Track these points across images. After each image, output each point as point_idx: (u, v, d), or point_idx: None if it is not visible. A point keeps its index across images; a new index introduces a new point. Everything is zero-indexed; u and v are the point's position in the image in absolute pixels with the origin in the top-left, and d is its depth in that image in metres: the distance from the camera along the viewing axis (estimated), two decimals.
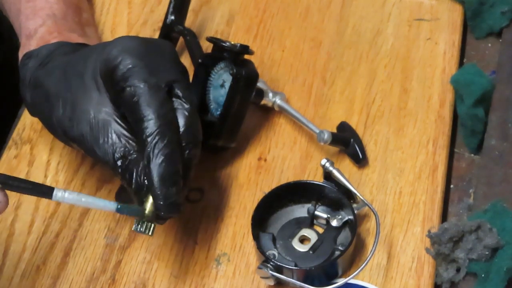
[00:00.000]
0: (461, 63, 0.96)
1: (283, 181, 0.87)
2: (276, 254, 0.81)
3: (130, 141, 0.77)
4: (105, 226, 0.85)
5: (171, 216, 0.77)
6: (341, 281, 0.78)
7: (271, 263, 0.78)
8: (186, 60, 0.96)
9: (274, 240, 0.82)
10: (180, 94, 0.78)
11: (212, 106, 0.89)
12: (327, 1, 1.01)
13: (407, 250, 0.82)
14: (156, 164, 0.75)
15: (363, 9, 1.00)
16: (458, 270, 0.79)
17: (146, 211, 0.75)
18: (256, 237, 0.81)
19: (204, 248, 0.84)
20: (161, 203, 0.75)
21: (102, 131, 0.78)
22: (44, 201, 0.87)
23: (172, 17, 0.94)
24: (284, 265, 0.78)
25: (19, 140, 0.92)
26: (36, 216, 0.86)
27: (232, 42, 0.86)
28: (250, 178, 0.88)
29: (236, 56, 0.86)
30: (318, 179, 0.85)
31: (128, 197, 0.77)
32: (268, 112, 0.92)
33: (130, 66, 0.77)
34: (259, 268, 0.78)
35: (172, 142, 0.76)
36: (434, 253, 0.80)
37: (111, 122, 0.78)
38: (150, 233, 0.76)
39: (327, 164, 0.82)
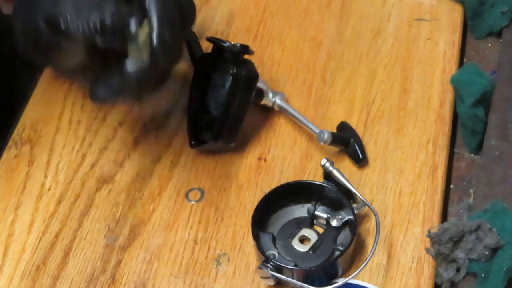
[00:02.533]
0: (461, 63, 0.96)
1: (283, 181, 0.87)
2: (276, 254, 0.81)
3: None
4: (105, 226, 0.86)
5: (165, 63, 0.76)
6: (341, 281, 0.78)
7: (271, 263, 0.78)
8: (186, 60, 0.96)
9: (274, 240, 0.82)
10: None
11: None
12: (327, 1, 1.01)
13: (407, 250, 0.82)
14: (157, 9, 0.74)
15: (363, 9, 1.00)
16: (458, 270, 0.80)
17: (140, 38, 0.74)
18: (256, 237, 0.81)
19: (204, 248, 0.84)
20: (156, 39, 0.74)
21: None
22: (44, 201, 0.87)
23: None
24: (284, 265, 0.78)
25: (19, 140, 0.92)
26: (36, 216, 0.86)
27: (232, 42, 0.86)
28: (250, 178, 0.88)
29: (236, 56, 0.86)
30: (318, 179, 0.85)
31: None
32: (268, 112, 0.92)
33: None
34: (259, 268, 0.78)
35: None
36: (434, 253, 0.80)
37: None
38: (145, 57, 0.74)
39: (327, 164, 0.82)
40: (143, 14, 0.75)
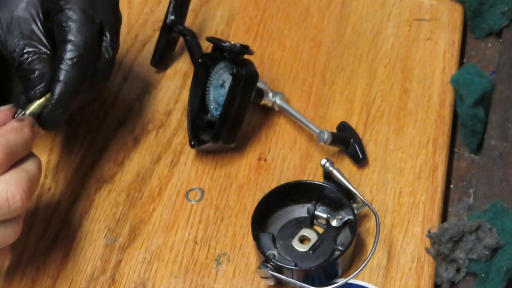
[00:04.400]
0: (461, 63, 0.96)
1: (283, 181, 0.87)
2: (276, 254, 0.81)
3: (42, 45, 0.80)
4: (105, 226, 0.86)
5: (48, 126, 0.80)
6: (341, 281, 0.78)
7: (271, 263, 0.78)
8: (186, 60, 0.96)
9: (274, 240, 0.82)
10: (107, 36, 0.83)
11: (212, 106, 0.89)
12: (327, 1, 1.01)
13: (407, 250, 0.82)
14: (64, 83, 0.78)
15: (363, 9, 1.00)
16: (458, 270, 0.80)
17: (33, 107, 0.78)
18: (256, 237, 0.81)
19: (204, 248, 0.84)
20: (47, 114, 0.79)
21: (21, 25, 0.80)
22: (44, 201, 0.87)
23: (172, 17, 0.94)
24: (284, 265, 0.78)
25: None
26: (36, 216, 0.86)
27: (232, 42, 0.86)
28: (250, 178, 0.88)
29: (236, 56, 0.86)
30: (318, 179, 0.85)
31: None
32: (268, 112, 0.92)
33: None
34: (259, 268, 0.78)
35: (85, 72, 0.80)
36: (434, 253, 0.80)
37: (31, 22, 0.80)
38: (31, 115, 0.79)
39: (327, 164, 0.82)
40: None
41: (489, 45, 0.97)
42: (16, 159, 0.75)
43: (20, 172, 0.74)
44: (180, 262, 0.83)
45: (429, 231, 0.81)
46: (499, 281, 0.77)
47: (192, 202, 0.87)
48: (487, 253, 0.78)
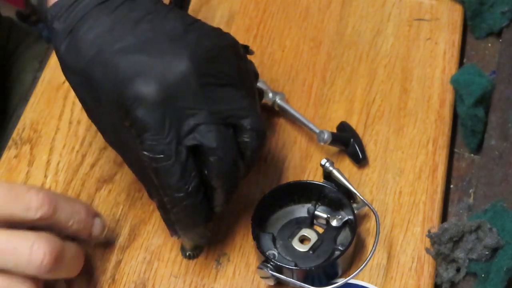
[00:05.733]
0: (461, 63, 0.96)
1: (283, 181, 0.87)
2: (276, 254, 0.81)
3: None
4: (105, 226, 0.85)
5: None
6: (341, 281, 0.78)
7: (271, 263, 0.78)
8: None
9: (274, 240, 0.82)
10: (247, 126, 0.68)
11: None
12: (327, 1, 1.01)
13: (407, 250, 0.82)
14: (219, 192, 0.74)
15: (363, 9, 1.00)
16: (458, 270, 0.80)
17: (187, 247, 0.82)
18: (256, 237, 0.81)
19: (204, 248, 0.84)
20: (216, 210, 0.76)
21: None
22: None
23: None
24: (284, 265, 0.78)
25: (19, 140, 0.92)
26: None
27: None
28: (250, 178, 0.88)
29: None
30: (318, 179, 0.85)
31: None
32: (268, 112, 0.92)
33: (145, 121, 0.62)
34: (259, 268, 0.78)
35: (232, 178, 0.74)
36: (434, 253, 0.80)
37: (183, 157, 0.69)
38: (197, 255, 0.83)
39: (327, 164, 0.82)
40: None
41: (489, 45, 0.97)
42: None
43: (58, 239, 0.70)
44: (180, 262, 0.83)
45: (429, 231, 0.81)
46: (499, 281, 0.77)
47: None
48: (487, 253, 0.78)
